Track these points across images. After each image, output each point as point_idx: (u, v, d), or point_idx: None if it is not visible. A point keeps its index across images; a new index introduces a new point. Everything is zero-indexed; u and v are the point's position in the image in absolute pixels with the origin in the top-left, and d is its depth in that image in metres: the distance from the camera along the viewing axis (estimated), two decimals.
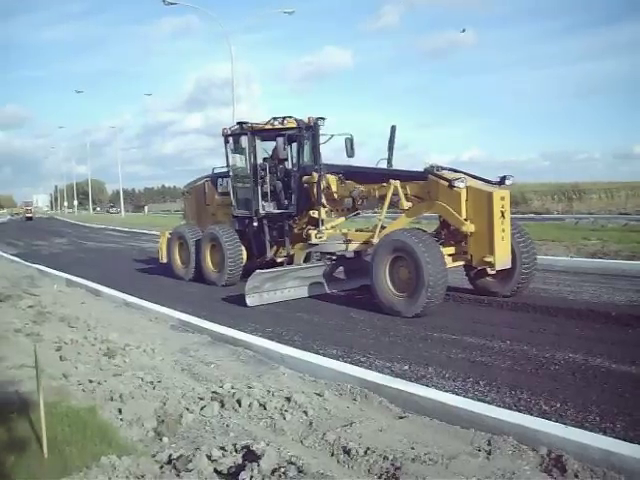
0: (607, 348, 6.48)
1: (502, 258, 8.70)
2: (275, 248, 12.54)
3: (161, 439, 4.55)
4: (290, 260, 11.93)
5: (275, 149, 11.80)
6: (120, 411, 4.99)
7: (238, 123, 12.41)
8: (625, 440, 4.04)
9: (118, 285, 12.17)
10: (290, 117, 11.81)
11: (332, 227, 11.25)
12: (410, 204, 9.63)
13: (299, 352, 6.70)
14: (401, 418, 4.82)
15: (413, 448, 4.07)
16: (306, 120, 11.76)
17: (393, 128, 10.67)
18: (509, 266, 8.91)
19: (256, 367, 6.46)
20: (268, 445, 4.02)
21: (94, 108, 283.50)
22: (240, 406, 5.04)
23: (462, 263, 9.36)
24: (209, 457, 3.94)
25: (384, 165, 10.56)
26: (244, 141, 12.12)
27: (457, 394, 5.20)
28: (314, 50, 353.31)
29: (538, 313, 8.44)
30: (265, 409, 4.97)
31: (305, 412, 4.84)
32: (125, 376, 5.95)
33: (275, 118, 11.86)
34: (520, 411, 4.76)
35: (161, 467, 3.93)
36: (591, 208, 37.54)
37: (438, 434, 4.44)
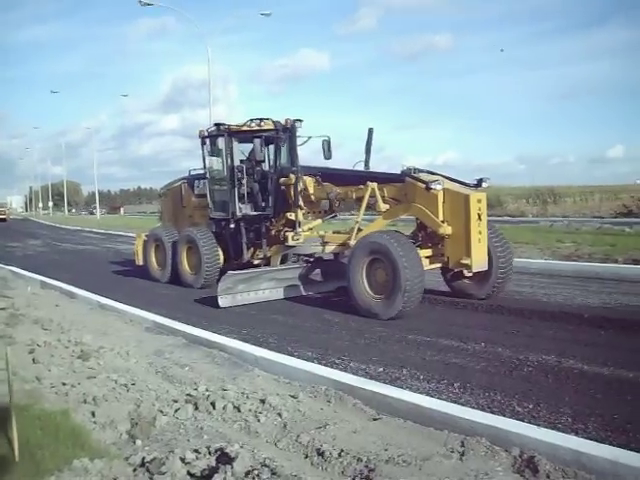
0: (580, 350, 6.55)
1: (479, 260, 8.76)
2: (252, 250, 12.50)
3: (134, 442, 4.50)
4: (267, 262, 11.92)
5: (252, 151, 11.78)
6: (93, 414, 4.94)
7: (215, 124, 12.39)
8: (597, 441, 4.08)
9: (93, 287, 12.02)
10: (267, 119, 11.80)
11: (309, 229, 11.27)
12: (387, 206, 9.66)
13: (274, 354, 6.67)
14: (375, 420, 4.81)
15: (387, 450, 4.08)
16: (283, 122, 11.75)
17: (370, 131, 10.73)
18: (485, 268, 8.98)
19: (231, 369, 6.42)
20: (242, 447, 4.00)
21: (70, 109, 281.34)
22: (214, 408, 5.02)
23: (439, 265, 9.40)
24: (183, 460, 3.91)
25: (361, 167, 10.60)
26: (221, 143, 12.09)
27: (431, 396, 5.22)
28: (290, 52, 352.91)
29: (512, 315, 8.52)
30: (239, 411, 4.94)
31: (279, 414, 4.83)
32: (99, 379, 5.89)
33: (252, 120, 11.84)
34: (493, 412, 4.79)
35: (134, 470, 3.89)
36: (566, 211, 37.94)
37: (412, 436, 4.45)
